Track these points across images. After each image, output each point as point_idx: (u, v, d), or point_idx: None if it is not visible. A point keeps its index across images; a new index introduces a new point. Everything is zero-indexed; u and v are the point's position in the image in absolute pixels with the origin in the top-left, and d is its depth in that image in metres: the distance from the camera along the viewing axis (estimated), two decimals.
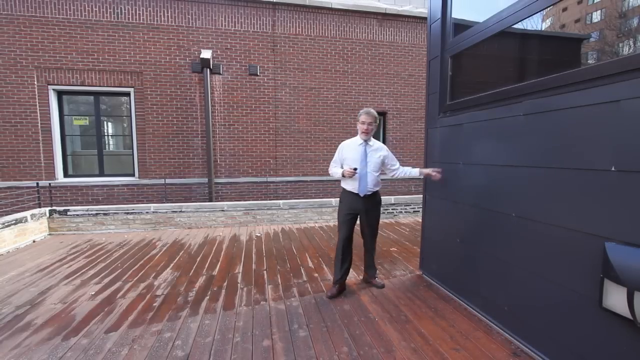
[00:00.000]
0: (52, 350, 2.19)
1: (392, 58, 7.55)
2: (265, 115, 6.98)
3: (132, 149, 6.58)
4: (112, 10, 6.28)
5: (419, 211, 6.34)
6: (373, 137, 2.96)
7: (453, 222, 2.86)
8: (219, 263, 3.89)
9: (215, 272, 3.60)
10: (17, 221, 4.55)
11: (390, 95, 7.63)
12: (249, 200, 6.79)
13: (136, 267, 3.77)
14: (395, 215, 6.30)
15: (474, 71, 2.88)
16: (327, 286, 3.19)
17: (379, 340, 2.25)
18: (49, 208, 5.20)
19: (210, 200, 6.44)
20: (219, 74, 6.68)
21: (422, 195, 3.46)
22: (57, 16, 6.10)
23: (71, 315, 2.67)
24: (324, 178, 7.32)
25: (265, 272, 3.61)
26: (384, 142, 7.82)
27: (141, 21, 6.37)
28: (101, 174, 6.55)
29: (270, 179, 7.01)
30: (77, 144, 6.72)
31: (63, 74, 6.19)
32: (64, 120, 6.46)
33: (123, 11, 6.31)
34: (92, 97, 6.54)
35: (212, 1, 6.60)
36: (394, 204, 6.30)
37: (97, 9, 6.23)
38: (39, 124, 6.16)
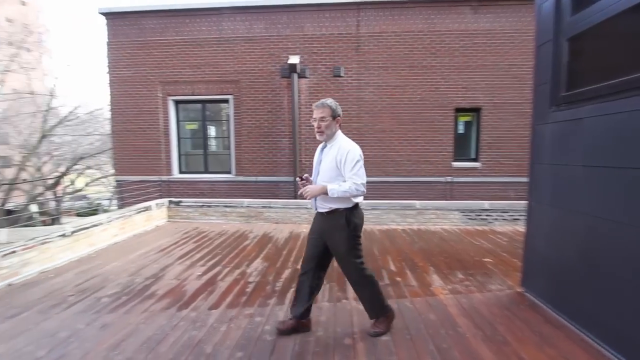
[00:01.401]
0: (169, 318, 2.60)
1: (489, 47, 6.81)
2: (348, 116, 7.04)
3: (230, 150, 7.39)
4: (216, 28, 7.15)
5: (519, 219, 5.59)
6: (348, 136, 2.32)
7: (569, 234, 2.42)
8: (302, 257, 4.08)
9: (299, 266, 3.78)
10: (146, 209, 5.56)
11: (486, 89, 6.89)
12: None
13: (232, 254, 4.22)
14: (489, 223, 5.67)
15: (601, 54, 2.38)
16: (410, 292, 3.06)
17: (469, 358, 2.05)
18: (168, 199, 6.22)
19: (295, 198, 6.81)
20: (305, 77, 7.01)
21: (525, 202, 3.03)
22: (176, 38, 7.23)
23: (183, 290, 3.14)
24: (408, 179, 7.04)
25: None
26: (477, 142, 7.12)
27: (239, 35, 7.10)
28: (206, 171, 7.54)
29: None
30: (188, 145, 7.87)
31: (179, 86, 7.31)
32: (179, 125, 7.63)
33: (225, 28, 7.12)
34: (200, 105, 7.57)
35: (300, 9, 6.96)
36: (488, 209, 5.68)
37: (204, 29, 7.18)
38: (162, 129, 7.41)
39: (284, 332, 2.33)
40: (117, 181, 7.98)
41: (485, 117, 6.99)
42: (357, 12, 6.90)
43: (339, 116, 2.25)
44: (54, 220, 16.07)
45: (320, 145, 2.32)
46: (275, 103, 7.11)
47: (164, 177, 7.31)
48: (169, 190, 7.29)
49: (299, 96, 7.02)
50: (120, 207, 7.16)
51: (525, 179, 3.09)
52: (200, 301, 2.90)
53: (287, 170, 7.13)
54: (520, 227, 5.34)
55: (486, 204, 5.72)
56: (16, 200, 17.55)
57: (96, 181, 22.72)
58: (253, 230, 5.51)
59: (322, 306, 2.78)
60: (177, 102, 7.54)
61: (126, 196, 7.04)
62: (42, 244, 3.61)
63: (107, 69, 7.55)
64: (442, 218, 5.73)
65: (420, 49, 6.87)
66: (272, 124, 7.15)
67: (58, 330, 2.43)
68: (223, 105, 7.59)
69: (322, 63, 7.02)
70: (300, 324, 2.35)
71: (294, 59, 6.82)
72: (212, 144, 7.92)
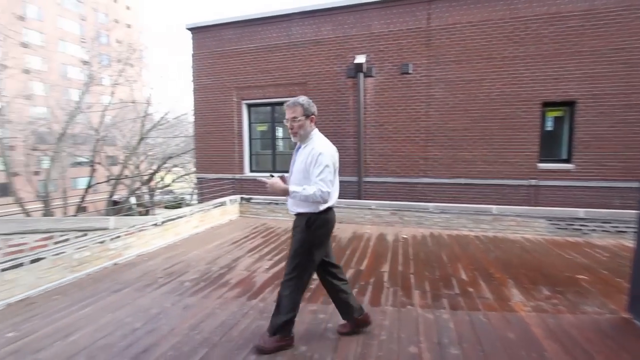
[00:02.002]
0: (240, 306, 2.79)
1: (587, 30, 5.87)
2: (416, 115, 6.75)
3: None
4: (285, 33, 7.48)
5: (626, 232, 4.71)
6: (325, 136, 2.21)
7: None
8: (366, 259, 4.02)
9: (362, 267, 3.74)
10: (221, 204, 6.08)
11: (582, 78, 5.95)
12: (395, 200, 6.74)
13: None
14: (585, 234, 4.89)
15: None
16: (484, 305, 2.79)
17: None
18: (240, 195, 6.71)
19: (359, 198, 6.76)
20: (371, 76, 6.91)
21: (636, 212, 2.53)
22: (249, 45, 7.76)
23: (253, 281, 3.35)
24: (483, 181, 6.45)
25: (412, 275, 3.49)
26: (570, 141, 6.20)
27: (307, 39, 7.31)
28: (274, 169, 7.93)
29: (419, 180, 6.74)
30: (258, 146, 8.38)
31: (251, 91, 7.83)
32: (251, 127, 8.17)
33: (293, 33, 7.41)
34: (269, 107, 8.00)
35: (367, 7, 6.88)
36: (583, 218, 4.90)
37: (275, 35, 7.56)
38: (236, 131, 8.03)
39: (345, 334, 2.32)
40: (197, 178, 8.87)
41: (582, 112, 6.04)
42: (427, 4, 6.56)
43: (312, 114, 2.14)
44: (148, 211, 18.63)
45: (297, 146, 2.21)
46: (341, 103, 7.16)
47: (237, 175, 7.91)
48: (241, 187, 7.86)
49: (365, 96, 6.95)
50: (200, 201, 7.95)
51: (635, 184, 2.58)
52: (267, 293, 3.06)
53: (352, 171, 7.12)
54: (628, 242, 4.51)
55: (581, 212, 4.93)
56: (120, 193, 20.78)
57: (180, 178, 25.75)
58: None
59: (386, 310, 2.70)
60: (249, 106, 8.09)
61: (205, 192, 7.79)
62: (140, 231, 4.20)
63: (191, 78, 8.45)
64: (524, 226, 5.12)
65: (501, 38, 6.24)
66: (337, 125, 7.21)
67: (150, 306, 2.79)
68: None
69: (389, 61, 6.84)
70: (357, 322, 2.31)
71: (360, 59, 6.78)
72: (280, 145, 8.31)
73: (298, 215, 2.16)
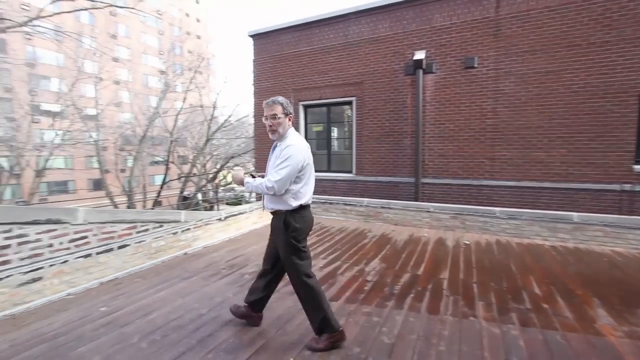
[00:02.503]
0: (295, 302, 2.83)
1: None
2: (481, 111, 6.26)
3: (352, 150, 7.63)
4: (342, 33, 7.49)
5: None
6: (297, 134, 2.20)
7: None
8: (423, 264, 3.85)
9: (419, 272, 3.59)
10: None
11: None
12: (456, 203, 6.33)
13: (351, 251, 4.34)
14: None
15: None
16: (562, 324, 2.48)
17: None
18: None
19: (416, 200, 6.49)
20: (432, 72, 6.58)
21: None
22: (307, 48, 7.94)
23: None
24: (561, 185, 5.73)
25: (475, 285, 3.24)
26: None
27: (363, 37, 7.24)
28: (328, 169, 8.01)
29: (483, 182, 6.24)
30: (313, 146, 8.54)
31: (308, 92, 8.00)
32: (307, 127, 8.35)
33: (350, 32, 7.39)
34: (325, 108, 8.09)
35: (427, 0, 6.57)
36: None
37: (332, 36, 7.62)
38: None
39: (236, 314, 2.49)
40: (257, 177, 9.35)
41: None
42: None
43: (290, 114, 2.17)
44: (212, 207, 20.18)
45: (273, 144, 2.22)
46: (398, 102, 6.95)
47: None
48: None
49: (424, 93, 6.65)
50: (258, 199, 8.36)
51: None
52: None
53: (408, 171, 6.87)
54: None
55: None
56: (189, 189, 22.83)
57: None
58: (372, 229, 5.54)
59: (445, 319, 2.55)
60: (306, 107, 8.28)
61: None
62: (206, 224, 4.55)
63: (252, 82, 8.93)
64: (615, 237, 4.44)
65: (587, 22, 5.48)
66: (393, 124, 7.02)
67: (215, 295, 3.01)
68: (346, 107, 7.92)
69: (452, 55, 6.45)
70: (251, 314, 2.44)
71: (420, 55, 6.50)
72: (335, 145, 8.36)
73: (274, 213, 2.24)
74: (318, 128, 8.30)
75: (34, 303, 2.76)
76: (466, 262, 3.90)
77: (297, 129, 8.07)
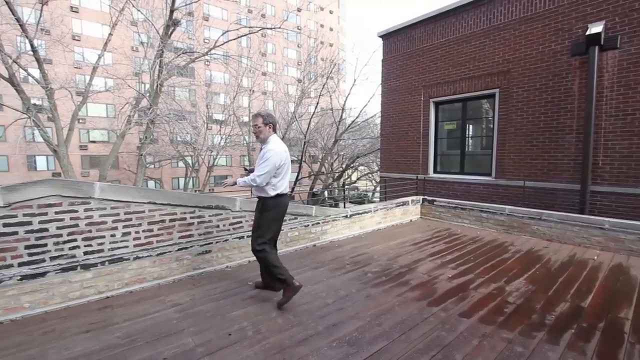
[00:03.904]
0: (420, 310, 2.70)
1: None
2: None
3: (492, 149, 6.67)
4: (485, 18, 6.62)
5: None
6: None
7: None
8: (591, 295, 3.01)
9: (584, 304, 2.83)
10: (403, 204, 6.12)
11: None
12: None
13: (487, 265, 3.80)
14: None
15: None
16: None
17: None
18: (422, 197, 6.54)
19: (582, 212, 5.14)
20: (616, 48, 5.07)
21: None
22: (441, 40, 7.38)
23: (434, 287, 3.17)
24: None
25: None
26: None
27: (513, 18, 6.19)
28: (461, 171, 7.25)
29: None
30: (444, 145, 7.89)
31: (440, 88, 7.44)
32: (438, 126, 7.78)
33: (495, 14, 6.45)
34: (459, 104, 7.35)
35: None
36: None
37: (471, 23, 6.83)
38: (421, 130, 7.86)
39: (258, 287, 3.13)
40: (381, 177, 9.33)
41: None
42: None
43: (270, 123, 2.84)
44: (337, 204, 21.32)
45: (260, 147, 2.87)
46: (559, 91, 5.65)
47: (420, 176, 7.74)
48: (424, 188, 7.64)
49: (600, 76, 5.20)
50: (382, 199, 8.32)
51: None
52: (450, 304, 2.82)
53: (571, 176, 5.52)
54: None
55: None
56: (317, 187, 24.79)
57: (364, 176, 27.96)
58: (515, 243, 4.72)
59: None
60: (437, 104, 7.73)
61: (388, 191, 8.08)
62: (333, 220, 4.82)
63: (381, 82, 8.93)
64: None
65: None
66: (551, 117, 5.75)
67: (339, 288, 3.15)
68: (484, 101, 6.98)
69: None
70: (265, 286, 3.07)
71: (596, 27, 5.10)
72: (470, 144, 7.50)
73: (258, 199, 2.91)
74: (451, 126, 7.62)
75: (205, 270, 3.52)
76: None
77: (427, 127, 7.68)
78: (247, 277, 3.32)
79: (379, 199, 13.44)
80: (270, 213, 2.83)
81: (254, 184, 2.72)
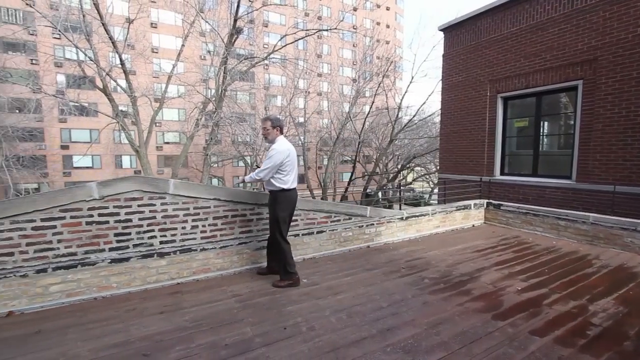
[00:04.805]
0: (483, 323, 2.49)
1: None
2: None
3: (573, 149, 5.91)
4: (565, 0, 5.89)
5: None
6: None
7: None
8: None
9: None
10: (465, 207, 5.73)
11: None
12: None
13: (565, 279, 3.37)
14: None
15: None
16: None
17: None
18: (487, 200, 6.04)
19: None
20: None
21: None
22: (511, 29, 6.74)
23: (499, 299, 2.91)
24: None
25: None
26: None
27: None
28: (534, 174, 6.54)
29: None
30: (513, 145, 7.20)
31: (510, 81, 6.80)
32: (506, 123, 7.13)
33: None
34: (532, 99, 6.64)
35: None
36: None
37: (549, 7, 6.13)
38: (487, 128, 7.28)
39: (260, 274, 3.46)
40: (439, 179, 8.85)
41: None
42: None
43: (278, 126, 3.22)
44: (391, 206, 20.76)
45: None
46: None
47: (485, 178, 7.16)
48: (489, 191, 7.06)
49: None
50: (440, 202, 7.88)
51: None
52: (519, 319, 2.56)
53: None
54: None
55: None
56: (371, 187, 24.43)
57: (421, 177, 26.77)
58: (600, 256, 4.11)
59: None
60: (505, 99, 7.08)
61: (447, 193, 7.62)
62: (388, 222, 4.70)
63: (441, 79, 8.47)
64: None
65: None
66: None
67: (394, 292, 3.06)
68: (563, 94, 6.20)
69: None
70: (267, 270, 3.44)
71: None
72: (546, 142, 6.73)
73: (269, 193, 3.21)
74: (522, 123, 6.93)
75: (262, 264, 3.67)
76: None
77: (493, 125, 7.11)
78: (301, 273, 3.39)
79: (436, 202, 12.75)
80: (282, 205, 3.15)
81: (258, 179, 3.11)
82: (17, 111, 19.64)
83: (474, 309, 2.74)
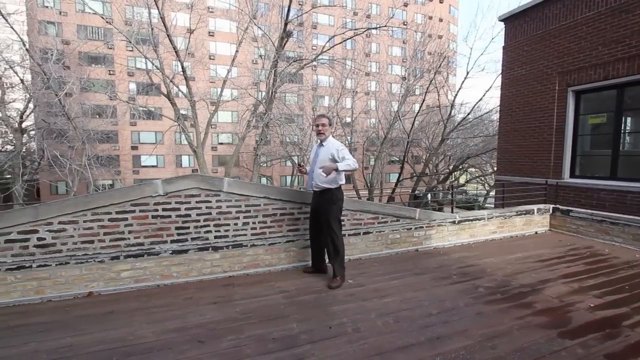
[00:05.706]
0: (547, 340, 2.26)
1: None
2: None
3: None
4: None
5: None
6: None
7: None
8: None
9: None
10: (526, 212, 5.24)
11: None
12: None
13: None
14: None
15: None
16: None
17: None
18: (553, 205, 5.47)
19: None
20: None
21: None
22: (587, 14, 6.01)
23: (567, 316, 2.62)
24: None
25: None
26: None
27: None
28: (612, 177, 5.75)
29: None
30: (586, 144, 6.41)
31: (585, 73, 6.06)
32: (577, 120, 6.38)
33: None
34: (613, 92, 5.85)
35: None
36: None
37: None
38: (554, 126, 6.58)
39: (307, 272, 3.51)
40: (496, 181, 8.21)
41: None
42: None
43: (331, 125, 3.40)
44: (442, 208, 19.76)
45: (316, 145, 3.40)
46: None
47: (551, 180, 6.48)
48: (556, 195, 6.37)
49: None
50: (497, 206, 7.30)
51: None
52: (592, 340, 2.27)
53: None
54: None
55: None
56: (420, 189, 23.51)
57: (475, 179, 25.06)
58: None
59: None
60: (577, 93, 6.34)
61: (505, 196, 7.04)
62: (439, 225, 4.48)
63: (501, 72, 7.85)
64: None
65: None
66: None
67: (444, 299, 2.90)
68: None
69: None
70: (313, 268, 3.50)
71: None
72: (627, 142, 5.90)
73: (324, 191, 3.19)
74: (598, 119, 6.15)
75: (308, 263, 3.73)
76: None
77: (562, 122, 6.45)
78: (347, 274, 3.38)
79: (493, 205, 11.82)
80: (340, 203, 3.25)
81: (352, 168, 3.08)
82: (98, 116, 22.38)
83: (536, 323, 2.49)
